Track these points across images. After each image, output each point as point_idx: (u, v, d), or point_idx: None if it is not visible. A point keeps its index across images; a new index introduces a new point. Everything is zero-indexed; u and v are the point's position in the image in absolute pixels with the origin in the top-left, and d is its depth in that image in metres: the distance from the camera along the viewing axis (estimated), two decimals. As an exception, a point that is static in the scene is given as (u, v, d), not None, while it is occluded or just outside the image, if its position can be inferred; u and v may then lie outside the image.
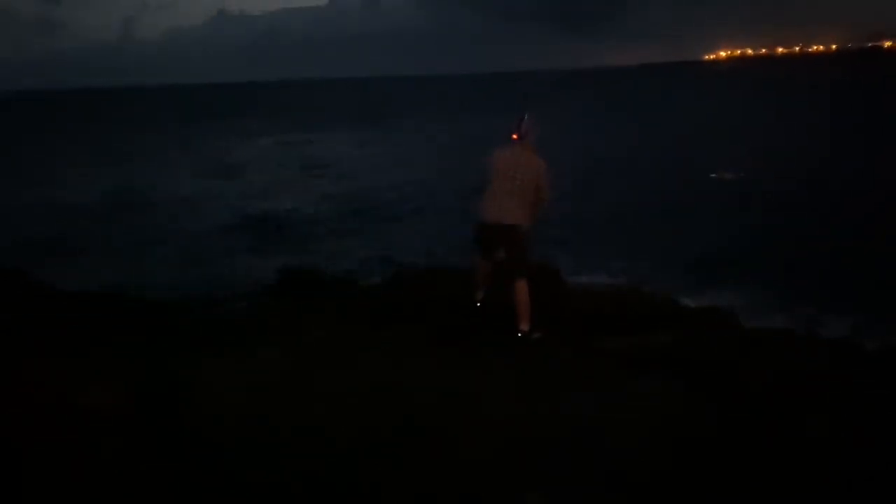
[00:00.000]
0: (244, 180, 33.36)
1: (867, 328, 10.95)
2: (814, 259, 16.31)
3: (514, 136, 5.99)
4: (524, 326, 5.78)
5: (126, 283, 13.92)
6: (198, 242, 20.31)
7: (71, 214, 25.40)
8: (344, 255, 17.27)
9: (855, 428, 3.64)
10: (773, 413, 3.79)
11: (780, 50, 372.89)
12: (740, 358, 4.57)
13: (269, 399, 4.23)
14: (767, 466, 3.32)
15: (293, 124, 67.94)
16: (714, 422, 3.75)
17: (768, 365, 4.45)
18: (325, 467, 3.42)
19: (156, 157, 44.18)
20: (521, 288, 5.82)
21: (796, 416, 3.71)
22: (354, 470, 3.42)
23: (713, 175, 28.44)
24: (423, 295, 6.45)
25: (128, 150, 47.93)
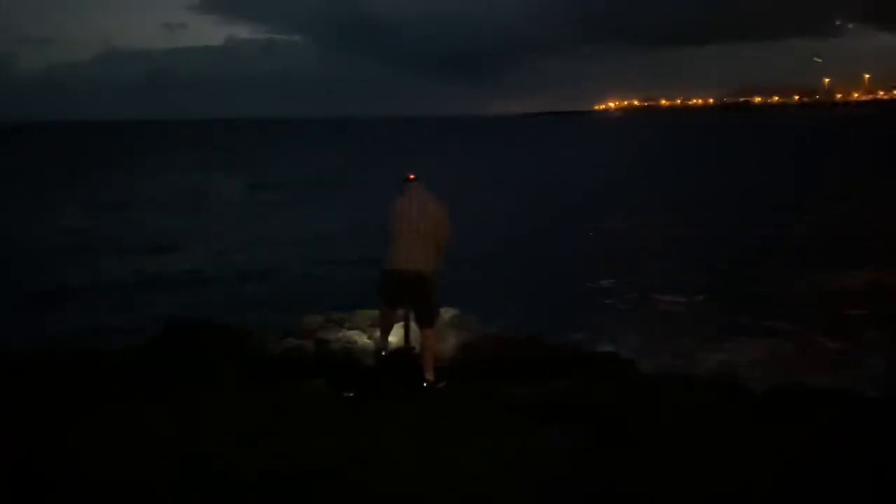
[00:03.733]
0: (131, 223, 31.66)
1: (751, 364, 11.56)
2: (693, 299, 17.07)
3: (411, 177, 5.97)
4: (430, 376, 5.71)
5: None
6: (72, 292, 18.87)
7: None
8: (239, 305, 16.54)
9: (756, 472, 3.78)
10: (678, 461, 3.89)
11: (663, 102, 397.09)
12: (642, 405, 4.69)
13: (154, 466, 3.95)
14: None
15: (188, 164, 65.67)
16: (619, 473, 3.81)
17: (669, 411, 4.59)
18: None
19: (36, 197, 41.36)
20: (429, 336, 5.78)
21: (700, 463, 3.82)
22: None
23: (590, 230, 27.68)
24: (324, 346, 6.30)
25: None
